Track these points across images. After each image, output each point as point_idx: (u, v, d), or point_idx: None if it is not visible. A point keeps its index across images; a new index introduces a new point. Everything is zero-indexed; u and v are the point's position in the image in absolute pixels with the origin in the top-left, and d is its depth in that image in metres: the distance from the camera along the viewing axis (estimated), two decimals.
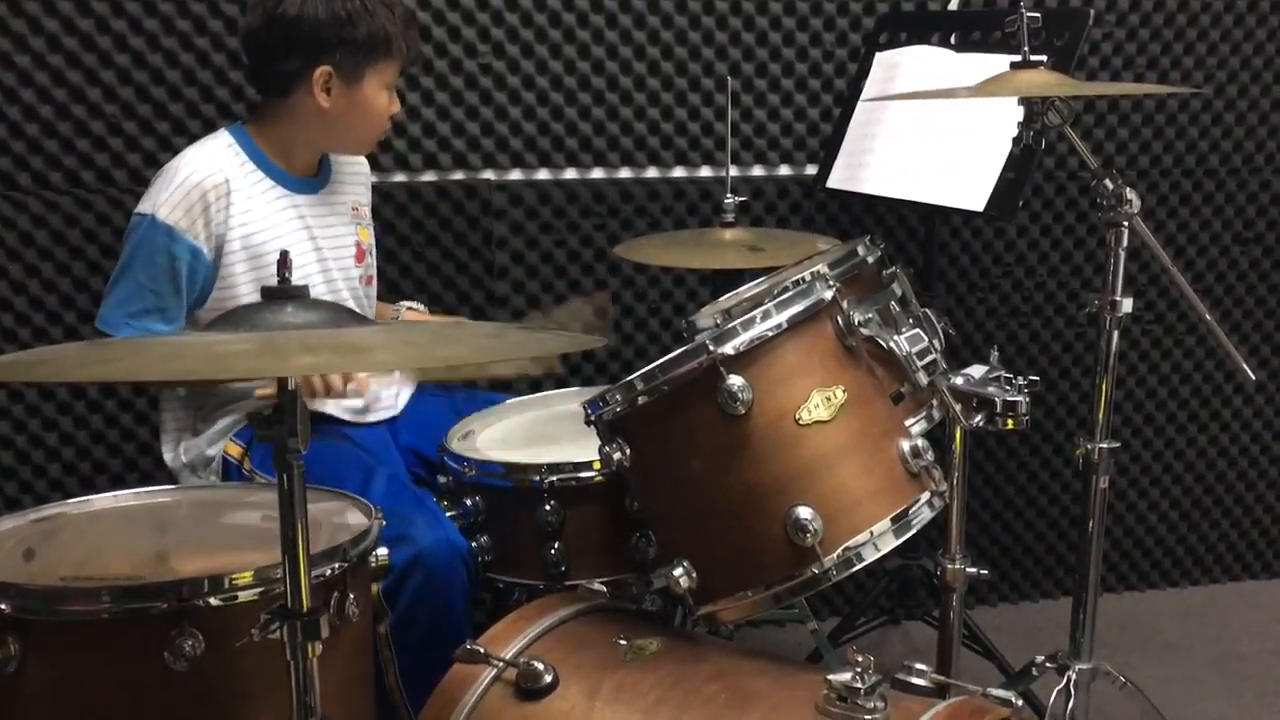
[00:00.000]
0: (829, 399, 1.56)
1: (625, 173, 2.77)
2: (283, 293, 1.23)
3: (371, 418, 2.22)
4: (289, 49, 2.00)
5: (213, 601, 1.39)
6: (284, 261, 1.25)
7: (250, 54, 2.10)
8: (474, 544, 1.92)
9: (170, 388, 2.15)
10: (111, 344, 1.40)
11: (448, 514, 1.93)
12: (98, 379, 1.06)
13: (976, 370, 1.80)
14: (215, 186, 1.99)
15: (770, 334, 1.55)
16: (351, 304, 2.21)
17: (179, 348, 1.16)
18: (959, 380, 1.76)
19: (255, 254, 2.03)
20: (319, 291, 2.14)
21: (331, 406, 2.14)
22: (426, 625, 1.84)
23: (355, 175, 2.29)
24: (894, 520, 1.57)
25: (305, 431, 1.20)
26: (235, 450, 2.09)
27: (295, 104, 2.06)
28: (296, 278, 1.31)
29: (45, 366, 1.11)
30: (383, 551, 1.61)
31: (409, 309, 2.40)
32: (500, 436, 2.11)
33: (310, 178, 2.18)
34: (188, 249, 1.98)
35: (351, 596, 1.51)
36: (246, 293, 2.04)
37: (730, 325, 1.55)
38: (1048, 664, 2.10)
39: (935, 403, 1.79)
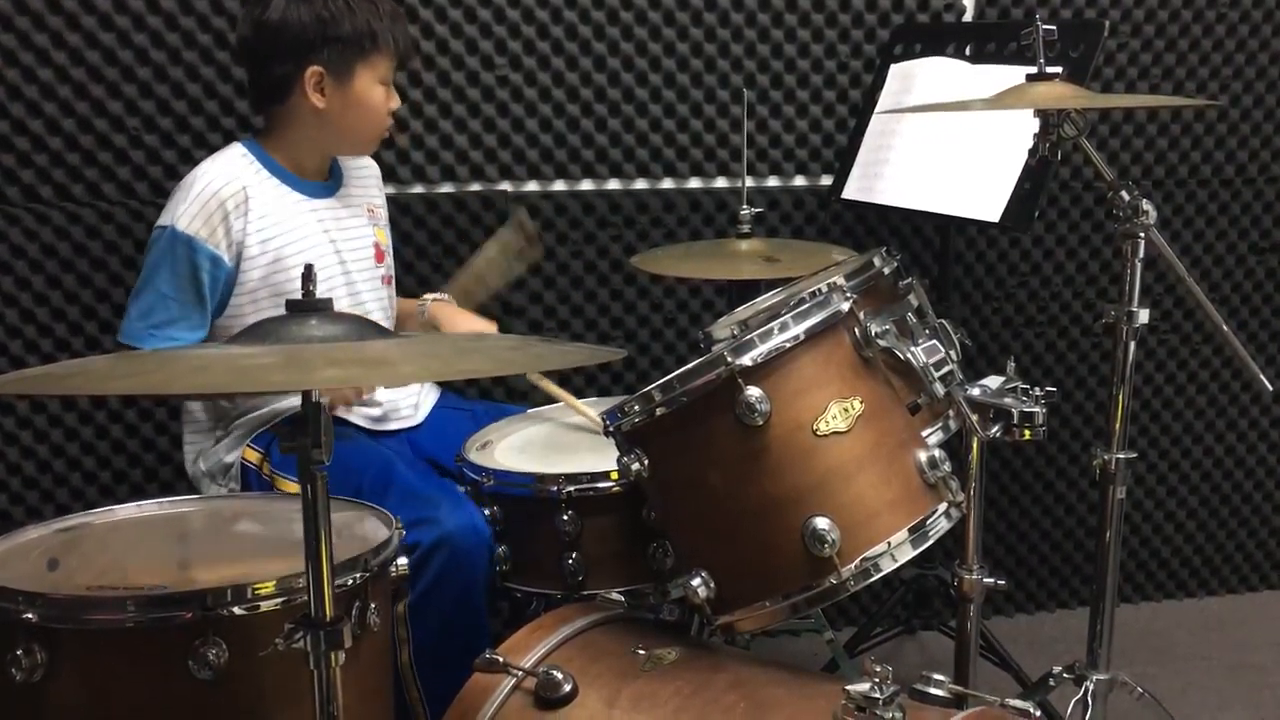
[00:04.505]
0: (846, 410, 1.57)
1: (641, 184, 2.78)
2: (307, 305, 1.24)
3: (390, 426, 2.24)
4: (278, 54, 2.04)
5: (236, 611, 1.40)
6: (308, 275, 1.26)
7: (244, 64, 2.15)
8: (492, 553, 1.93)
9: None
10: (140, 357, 1.42)
11: None
12: (126, 392, 1.07)
13: (993, 381, 1.80)
14: (233, 194, 2.02)
15: (788, 345, 1.56)
16: (373, 304, 2.23)
17: (206, 361, 1.18)
18: (975, 391, 1.76)
19: (275, 259, 2.06)
20: (341, 294, 2.16)
21: (350, 415, 2.16)
22: (446, 606, 1.86)
23: (366, 177, 2.32)
24: (911, 531, 1.57)
25: (329, 442, 1.21)
26: (254, 456, 2.11)
27: (293, 108, 2.08)
28: (318, 281, 1.32)
29: (75, 379, 1.12)
30: (403, 561, 1.62)
31: (434, 299, 2.39)
32: (518, 446, 2.12)
33: (323, 182, 2.20)
34: (209, 257, 2.00)
35: (373, 606, 1.53)
36: (265, 297, 2.06)
37: (748, 337, 1.56)
38: (1065, 674, 2.10)
39: (952, 413, 1.80)
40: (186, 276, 2.00)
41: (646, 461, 1.63)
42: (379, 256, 2.27)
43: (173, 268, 2.00)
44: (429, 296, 2.41)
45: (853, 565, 1.54)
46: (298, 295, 1.26)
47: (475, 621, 1.91)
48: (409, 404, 2.29)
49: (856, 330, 1.63)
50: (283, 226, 2.08)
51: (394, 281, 2.35)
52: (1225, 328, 1.98)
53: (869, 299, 1.75)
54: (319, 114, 2.08)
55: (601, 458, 1.86)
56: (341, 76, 2.06)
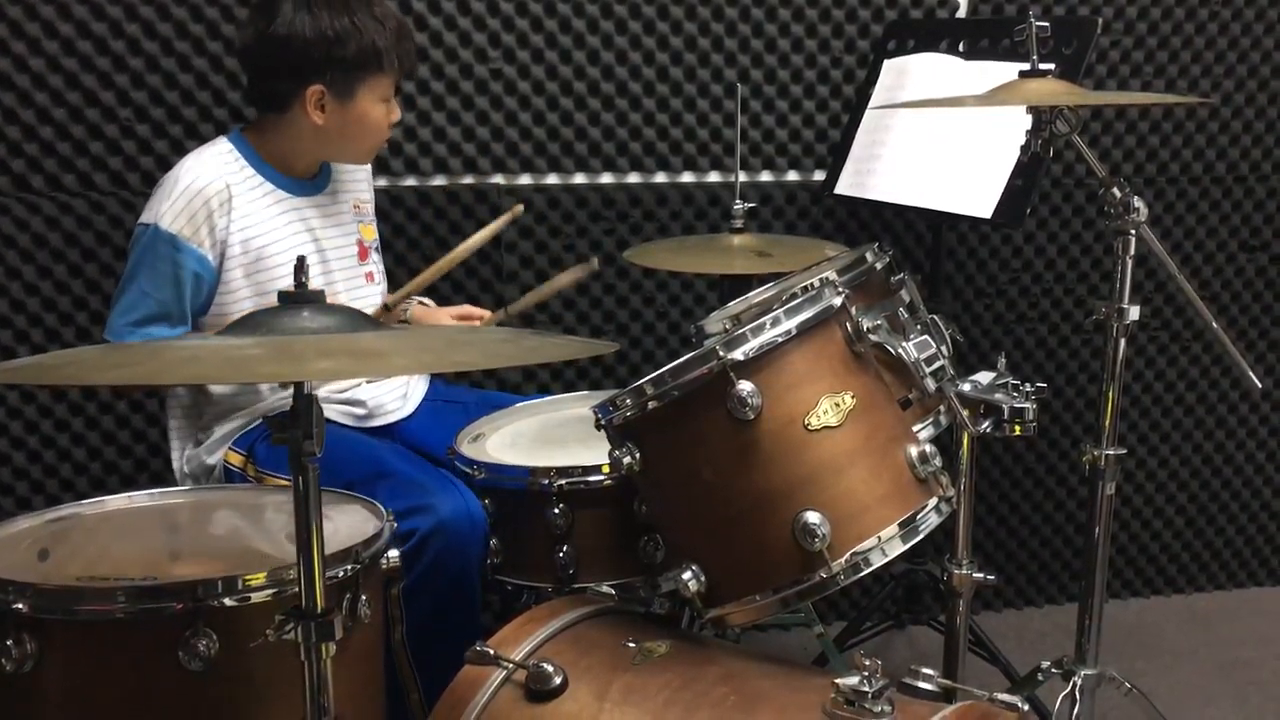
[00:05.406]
0: (838, 404, 1.57)
1: (634, 178, 2.78)
2: (299, 297, 1.24)
3: (375, 422, 2.23)
4: (280, 68, 2.02)
5: (227, 602, 1.40)
6: (301, 267, 1.26)
7: (245, 70, 2.12)
8: (486, 541, 1.93)
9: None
10: (130, 348, 1.41)
11: None
12: (117, 382, 1.07)
13: (984, 377, 1.81)
14: (218, 193, 2.00)
15: (780, 340, 1.56)
16: (355, 305, 2.22)
17: (197, 351, 1.18)
18: (967, 387, 1.77)
19: (256, 258, 2.05)
20: None
21: (332, 412, 2.16)
22: (441, 591, 1.87)
23: (355, 173, 2.31)
24: (902, 525, 1.58)
25: (320, 434, 1.21)
26: (236, 459, 2.10)
27: (292, 119, 2.07)
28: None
29: (67, 370, 1.12)
30: (394, 554, 1.62)
31: (420, 303, 2.39)
32: (510, 440, 2.12)
33: (310, 180, 2.19)
34: (193, 257, 1.99)
35: (364, 598, 1.53)
36: (247, 296, 2.05)
37: (740, 331, 1.56)
38: (1053, 669, 2.10)
39: (943, 409, 1.80)
40: (168, 275, 1.99)
41: (638, 455, 1.63)
42: (363, 254, 2.26)
43: (154, 266, 1.99)
44: (414, 299, 2.36)
45: (843, 559, 1.54)
46: (282, 290, 1.26)
47: (470, 603, 1.92)
48: (396, 396, 2.28)
49: (848, 325, 1.63)
50: (265, 225, 2.07)
51: (380, 278, 2.32)
52: (1215, 325, 1.98)
53: (861, 294, 1.75)
54: (317, 129, 2.06)
55: (593, 451, 1.86)
56: (343, 96, 2.05)
